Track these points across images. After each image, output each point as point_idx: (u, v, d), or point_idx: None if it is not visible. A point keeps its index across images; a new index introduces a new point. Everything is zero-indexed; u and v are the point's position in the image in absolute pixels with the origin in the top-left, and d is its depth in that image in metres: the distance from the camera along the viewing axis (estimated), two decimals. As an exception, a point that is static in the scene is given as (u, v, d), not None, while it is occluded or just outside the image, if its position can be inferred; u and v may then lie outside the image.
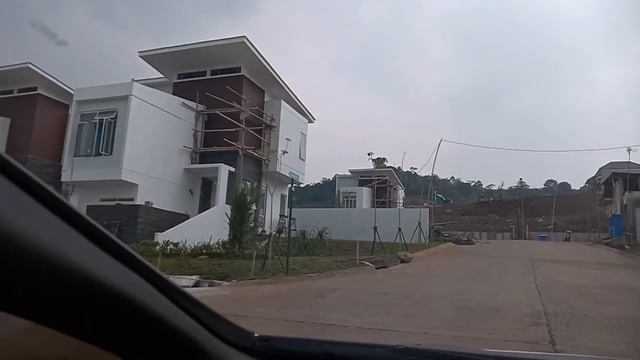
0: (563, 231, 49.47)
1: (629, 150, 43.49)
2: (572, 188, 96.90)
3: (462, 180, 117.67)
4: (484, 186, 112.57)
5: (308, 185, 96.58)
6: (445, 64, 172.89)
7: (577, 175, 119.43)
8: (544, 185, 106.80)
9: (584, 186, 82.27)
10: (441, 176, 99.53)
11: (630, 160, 42.74)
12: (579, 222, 51.73)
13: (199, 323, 0.83)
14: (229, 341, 0.94)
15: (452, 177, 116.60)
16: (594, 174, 61.60)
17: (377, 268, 13.25)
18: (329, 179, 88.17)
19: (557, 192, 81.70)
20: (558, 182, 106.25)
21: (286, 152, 24.72)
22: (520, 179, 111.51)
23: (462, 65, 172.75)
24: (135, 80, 23.19)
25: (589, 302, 8.36)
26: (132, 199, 19.98)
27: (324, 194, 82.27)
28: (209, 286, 10.03)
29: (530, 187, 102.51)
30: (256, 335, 1.09)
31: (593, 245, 30.17)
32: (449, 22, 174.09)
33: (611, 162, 50.20)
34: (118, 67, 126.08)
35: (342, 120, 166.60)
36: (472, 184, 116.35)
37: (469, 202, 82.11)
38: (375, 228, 17.62)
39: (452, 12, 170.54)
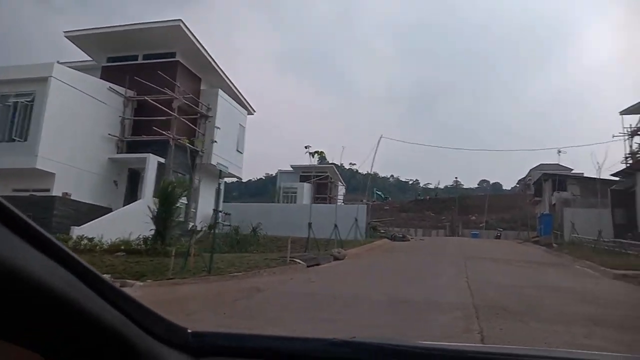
0: (494, 229, 51.14)
1: (559, 152, 45.60)
2: (504, 188, 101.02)
3: (401, 179, 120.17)
4: (421, 184, 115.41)
5: (250, 180, 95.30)
6: (388, 66, 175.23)
7: (509, 176, 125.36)
8: (478, 184, 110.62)
9: (515, 186, 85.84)
10: (381, 174, 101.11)
11: (559, 163, 44.74)
12: (510, 220, 53.76)
13: (129, 319, 0.80)
14: (161, 337, 0.91)
15: (392, 175, 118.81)
16: (524, 175, 64.34)
17: (308, 266, 12.69)
18: (272, 175, 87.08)
19: (489, 192, 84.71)
20: (491, 182, 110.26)
21: (215, 141, 23.65)
22: (456, 178, 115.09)
23: (405, 68, 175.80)
24: (62, 63, 21.40)
25: (521, 304, 8.15)
26: (48, 190, 18.34)
27: (266, 189, 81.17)
28: (121, 287, 9.05)
29: (464, 187, 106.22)
30: (190, 330, 1.05)
31: (523, 243, 31.19)
32: (392, 28, 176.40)
33: (541, 164, 52.57)
34: (53, 50, 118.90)
35: (287, 116, 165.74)
36: (411, 182, 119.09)
37: (407, 200, 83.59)
38: (309, 224, 17.09)
39: (396, 18, 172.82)
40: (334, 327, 5.75)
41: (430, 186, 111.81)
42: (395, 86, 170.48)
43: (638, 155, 29.62)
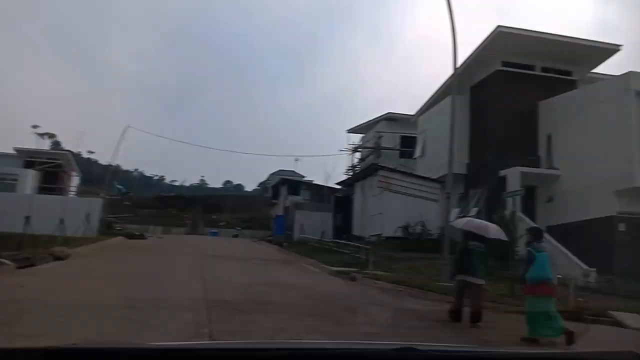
0: (234, 228, 53.14)
1: (296, 160, 50.97)
2: (246, 189, 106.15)
3: (145, 173, 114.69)
4: (167, 181, 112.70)
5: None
6: (148, 54, 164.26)
7: (252, 178, 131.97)
8: (222, 185, 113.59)
9: (256, 188, 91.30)
10: (125, 167, 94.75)
11: (295, 170, 49.44)
12: (249, 220, 56.64)
13: None
14: None
15: (136, 169, 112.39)
16: (265, 179, 68.89)
17: (19, 267, 10.88)
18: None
19: (233, 192, 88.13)
20: (234, 183, 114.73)
21: None
22: (202, 177, 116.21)
23: (165, 61, 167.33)
24: None
25: (253, 303, 8.47)
26: None
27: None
28: None
29: (210, 186, 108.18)
30: None
31: (258, 242, 33.11)
32: (158, 18, 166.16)
33: (280, 170, 57.06)
34: None
35: (18, 92, 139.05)
36: (156, 177, 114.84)
37: (150, 196, 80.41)
38: (27, 218, 14.78)
39: (162, 9, 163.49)
40: (39, 341, 4.91)
41: (176, 183, 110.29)
42: (152, 77, 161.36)
43: (357, 168, 34.74)
